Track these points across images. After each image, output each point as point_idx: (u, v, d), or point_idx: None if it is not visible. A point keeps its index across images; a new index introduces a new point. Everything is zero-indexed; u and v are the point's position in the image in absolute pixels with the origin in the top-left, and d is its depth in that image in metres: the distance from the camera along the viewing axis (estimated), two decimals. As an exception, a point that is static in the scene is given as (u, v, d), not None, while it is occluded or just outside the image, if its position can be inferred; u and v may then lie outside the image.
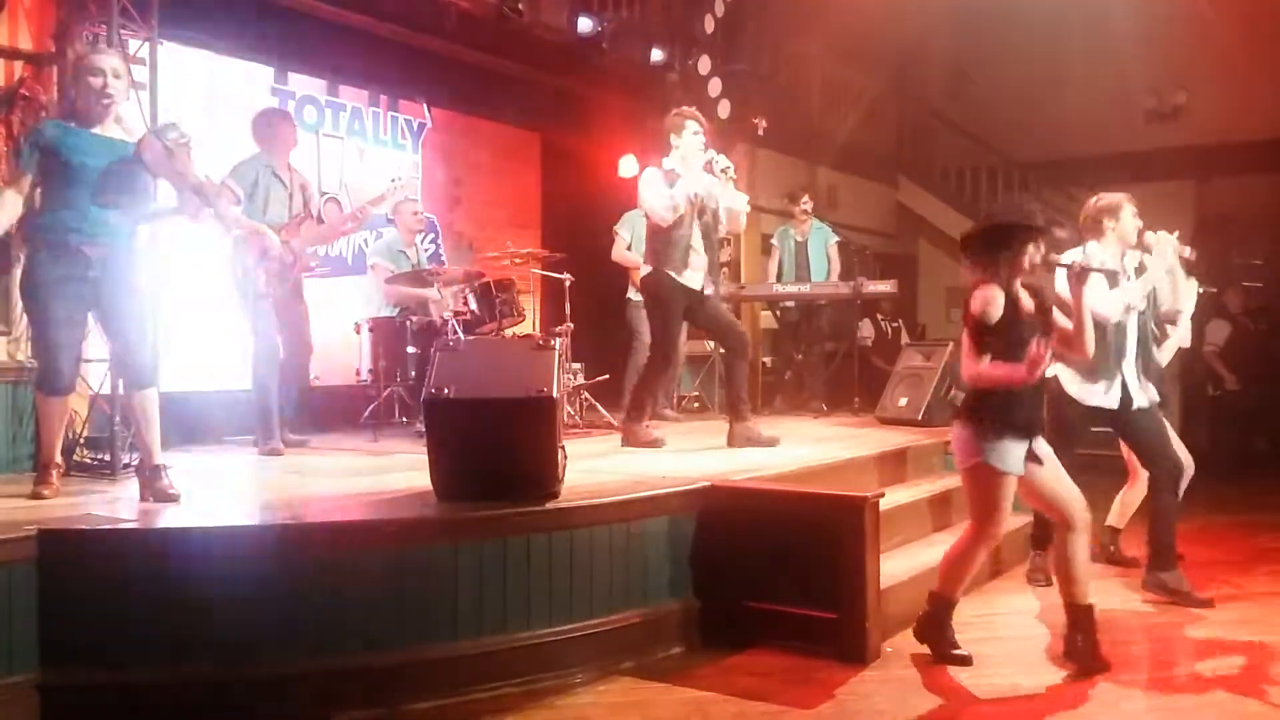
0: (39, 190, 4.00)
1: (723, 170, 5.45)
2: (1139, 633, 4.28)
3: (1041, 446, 3.74)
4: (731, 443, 5.57)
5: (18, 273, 4.34)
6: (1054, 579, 4.83)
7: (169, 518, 3.75)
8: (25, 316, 4.42)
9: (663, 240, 5.54)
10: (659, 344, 5.73)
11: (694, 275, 5.56)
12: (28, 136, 4.12)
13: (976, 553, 3.85)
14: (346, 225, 6.18)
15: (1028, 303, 3.69)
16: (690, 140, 5.60)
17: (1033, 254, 3.66)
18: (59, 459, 4.23)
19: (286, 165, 5.75)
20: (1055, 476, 3.77)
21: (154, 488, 4.00)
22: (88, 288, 3.99)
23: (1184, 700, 3.49)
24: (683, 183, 5.48)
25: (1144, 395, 4.67)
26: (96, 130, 4.01)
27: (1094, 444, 5.14)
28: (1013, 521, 4.95)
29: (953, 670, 3.75)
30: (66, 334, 4.00)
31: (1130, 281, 4.65)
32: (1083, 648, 3.75)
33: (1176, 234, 4.75)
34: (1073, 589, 3.77)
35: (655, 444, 5.57)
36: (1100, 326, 4.47)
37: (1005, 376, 3.57)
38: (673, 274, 5.52)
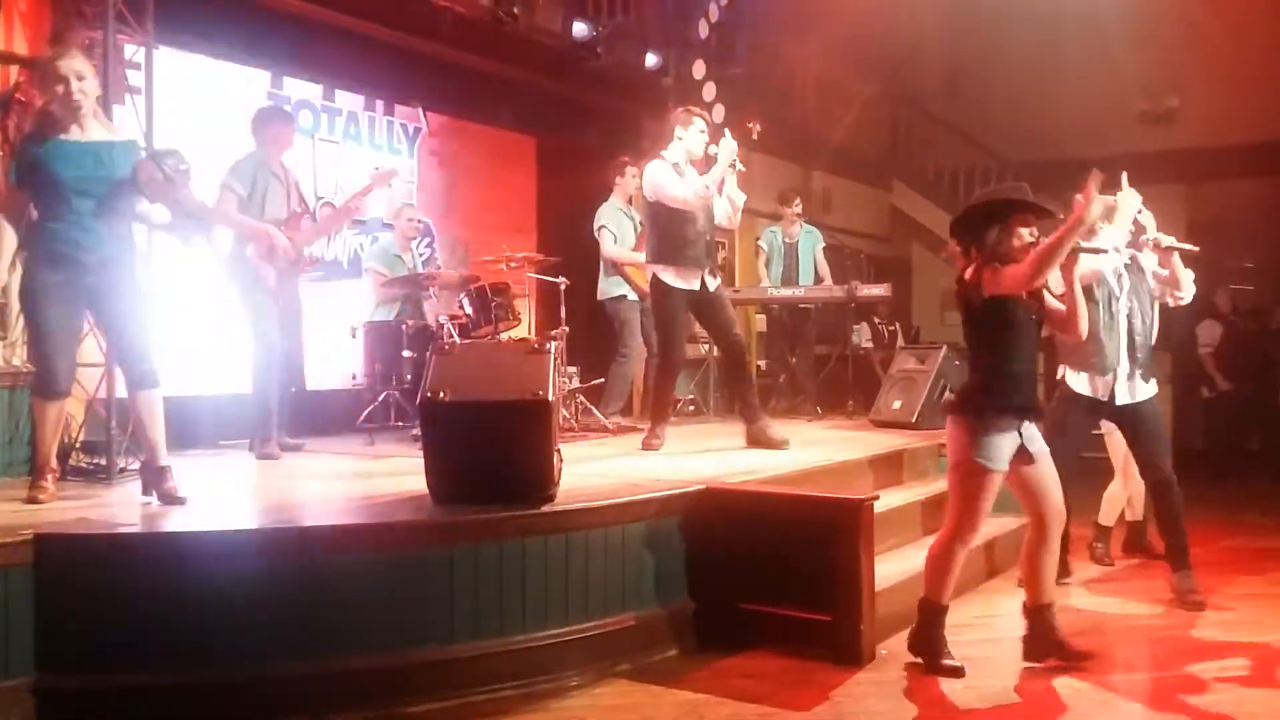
0: (34, 201, 4.01)
1: (730, 164, 5.49)
2: (1131, 634, 4.30)
3: (1036, 443, 3.74)
4: (750, 443, 5.62)
5: (14, 279, 4.33)
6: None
7: (164, 522, 3.76)
8: (21, 321, 4.43)
9: (665, 238, 5.57)
10: (665, 347, 5.75)
11: (696, 273, 5.59)
12: (14, 155, 4.12)
13: (955, 551, 3.81)
14: (338, 220, 6.23)
15: None
16: (696, 138, 5.66)
17: (1024, 235, 3.62)
18: (55, 463, 4.22)
19: (281, 163, 5.77)
20: (1042, 481, 3.78)
21: (160, 489, 4.01)
22: (85, 293, 4.00)
23: (1179, 701, 3.50)
24: (702, 176, 5.53)
25: (1128, 392, 4.67)
26: (75, 135, 3.99)
27: (1097, 447, 5.17)
28: (1010, 523, 4.99)
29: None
30: (63, 338, 4.00)
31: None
32: (1046, 642, 3.79)
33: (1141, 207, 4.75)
34: (1034, 589, 3.82)
35: (655, 447, 5.62)
36: (1095, 329, 4.49)
37: (1053, 246, 3.47)
38: (674, 275, 5.55)
